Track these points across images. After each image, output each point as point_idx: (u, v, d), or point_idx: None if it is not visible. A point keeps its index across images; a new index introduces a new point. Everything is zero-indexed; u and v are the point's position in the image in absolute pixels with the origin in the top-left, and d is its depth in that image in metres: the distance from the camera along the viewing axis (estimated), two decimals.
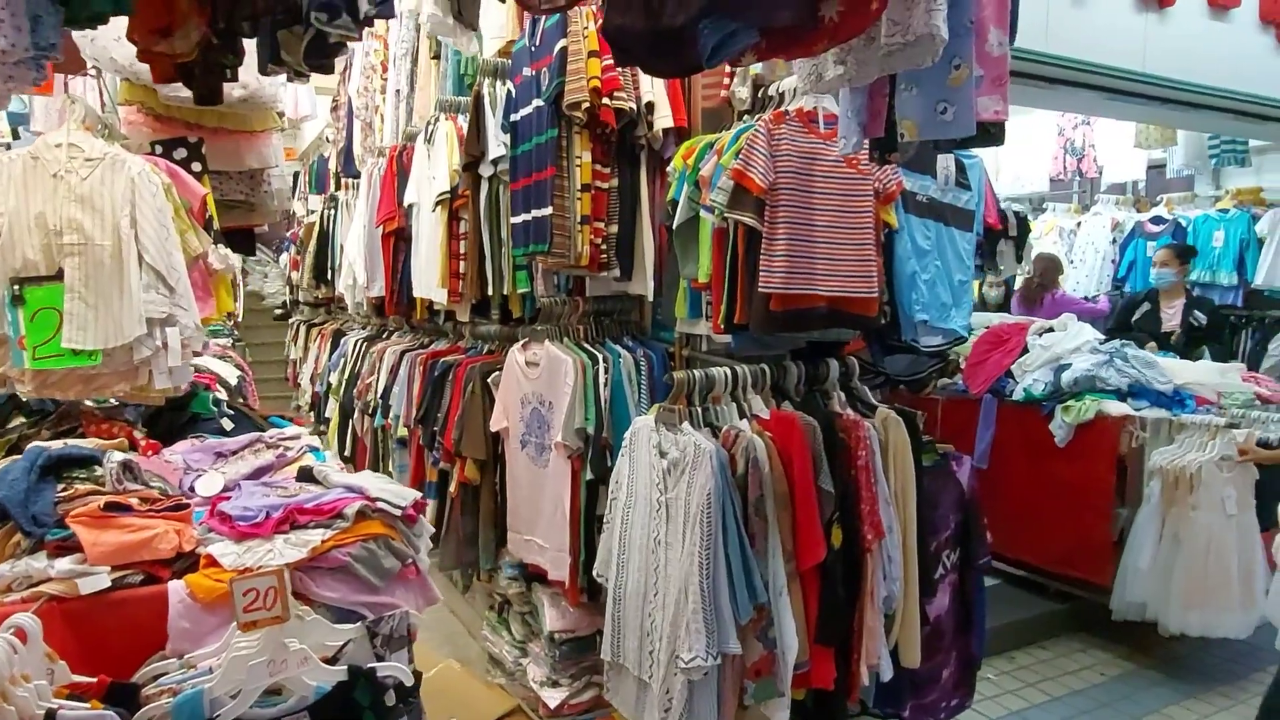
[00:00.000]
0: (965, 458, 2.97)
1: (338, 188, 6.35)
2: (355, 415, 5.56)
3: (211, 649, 1.57)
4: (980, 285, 5.94)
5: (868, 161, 2.32)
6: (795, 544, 2.27)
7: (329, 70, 1.85)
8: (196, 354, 2.34)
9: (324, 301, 7.57)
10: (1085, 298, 6.32)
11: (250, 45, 1.83)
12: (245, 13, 1.44)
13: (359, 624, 1.69)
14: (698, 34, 1.64)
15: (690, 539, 2.19)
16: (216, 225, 2.34)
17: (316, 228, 6.84)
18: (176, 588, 1.70)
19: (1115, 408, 3.88)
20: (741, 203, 2.29)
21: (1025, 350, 4.39)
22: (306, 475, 2.10)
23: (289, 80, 1.95)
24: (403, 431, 4.45)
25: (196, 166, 2.39)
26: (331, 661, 1.60)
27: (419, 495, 2.02)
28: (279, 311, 10.88)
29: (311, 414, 7.60)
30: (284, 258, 9.75)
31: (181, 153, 2.37)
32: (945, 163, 2.78)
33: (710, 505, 2.15)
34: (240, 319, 10.49)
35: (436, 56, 4.28)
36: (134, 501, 1.86)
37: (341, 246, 5.89)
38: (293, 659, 1.51)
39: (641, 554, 2.39)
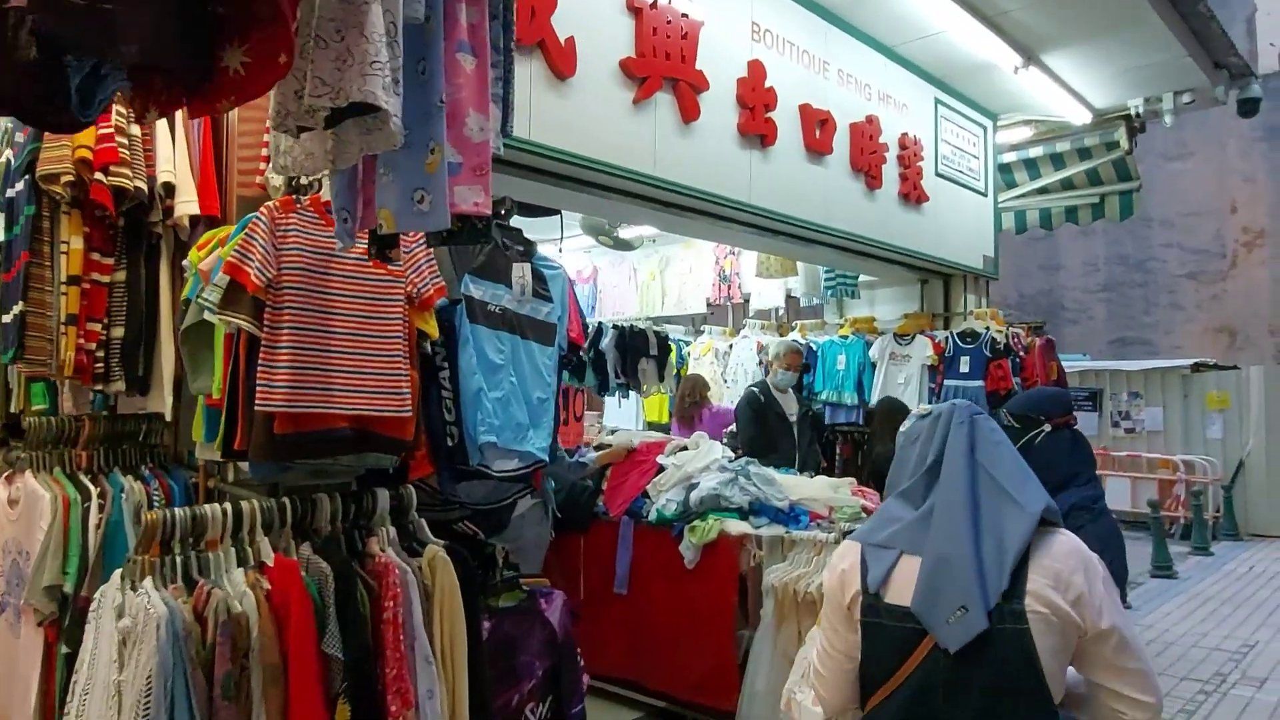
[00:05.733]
0: (558, 594, 2.69)
1: None
2: None
3: None
4: None
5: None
6: None
7: None
8: None
9: None
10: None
11: None
12: None
13: None
14: (66, 74, 1.27)
15: None
16: None
17: None
18: None
19: (736, 526, 3.86)
20: (236, 302, 1.90)
21: (660, 469, 4.33)
22: None
23: None
24: None
25: None
26: None
27: None
28: None
29: None
30: None
31: None
32: (521, 271, 2.59)
33: (151, 689, 1.63)
34: None
35: None
36: None
37: None
38: None
39: None
